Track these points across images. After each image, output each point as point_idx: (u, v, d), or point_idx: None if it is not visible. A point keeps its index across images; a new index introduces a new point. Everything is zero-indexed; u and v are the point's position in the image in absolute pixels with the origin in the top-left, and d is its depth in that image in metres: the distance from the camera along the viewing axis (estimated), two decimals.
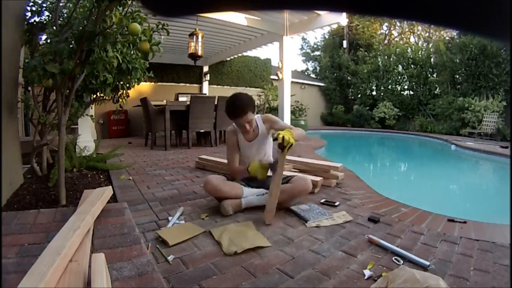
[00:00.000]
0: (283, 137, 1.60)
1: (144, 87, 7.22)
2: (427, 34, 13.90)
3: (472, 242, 1.44)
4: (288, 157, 3.17)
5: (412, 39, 14.55)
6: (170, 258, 1.24)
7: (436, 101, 9.85)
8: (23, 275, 0.97)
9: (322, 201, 2.04)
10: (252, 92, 8.84)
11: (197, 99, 4.75)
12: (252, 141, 2.04)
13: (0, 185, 1.64)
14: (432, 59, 10.78)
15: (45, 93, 2.53)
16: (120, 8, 1.77)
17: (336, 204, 1.97)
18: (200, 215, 1.78)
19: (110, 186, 1.89)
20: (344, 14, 4.78)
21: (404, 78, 11.38)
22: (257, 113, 2.21)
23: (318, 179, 2.33)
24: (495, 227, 1.63)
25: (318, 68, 16.99)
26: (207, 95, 7.58)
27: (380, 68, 11.92)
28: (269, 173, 2.07)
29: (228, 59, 8.64)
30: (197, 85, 8.73)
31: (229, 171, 2.05)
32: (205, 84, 8.70)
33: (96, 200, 1.56)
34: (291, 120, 6.97)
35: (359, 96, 12.80)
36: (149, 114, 4.80)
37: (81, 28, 1.69)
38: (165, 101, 5.02)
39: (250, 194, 1.90)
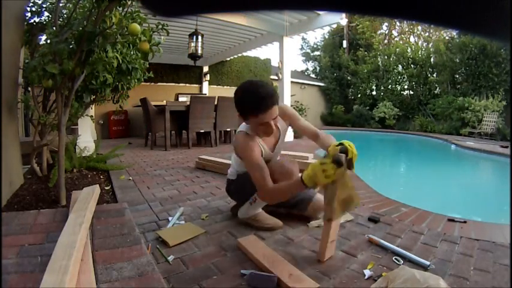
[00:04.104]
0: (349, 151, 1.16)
1: (144, 87, 7.22)
2: (427, 34, 13.90)
3: (472, 241, 1.44)
4: (288, 153, 3.16)
5: (412, 39, 14.54)
6: (170, 258, 1.24)
7: (436, 101, 9.85)
8: (23, 275, 0.97)
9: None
10: None
11: (197, 100, 4.75)
12: (275, 149, 1.61)
13: (0, 186, 1.64)
14: (432, 59, 10.79)
15: (45, 93, 2.53)
16: (120, 8, 1.77)
17: None
18: (200, 215, 1.78)
19: (97, 185, 1.90)
20: (344, 14, 4.79)
21: (404, 78, 11.38)
22: None
23: None
24: (495, 226, 1.63)
25: (318, 68, 16.98)
26: (207, 95, 7.58)
27: (380, 68, 11.93)
28: None
29: (228, 59, 8.64)
30: (197, 85, 8.73)
31: (267, 194, 1.38)
32: (205, 85, 8.70)
33: (89, 197, 1.58)
34: None
35: (359, 96, 12.80)
36: (149, 115, 4.80)
37: (81, 28, 1.69)
38: (165, 101, 5.02)
39: None
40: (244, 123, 1.55)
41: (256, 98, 1.33)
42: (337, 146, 1.20)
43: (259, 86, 1.36)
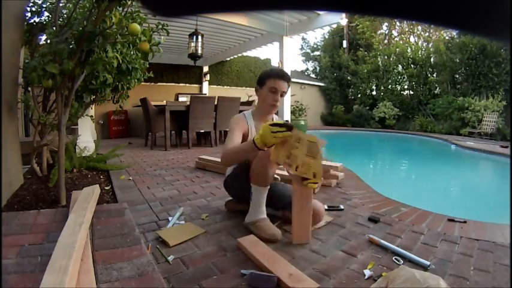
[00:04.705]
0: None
1: (144, 87, 7.23)
2: (427, 34, 13.90)
3: (472, 241, 1.44)
4: None
5: (412, 39, 14.54)
6: (170, 258, 1.24)
7: (436, 101, 9.85)
8: (23, 275, 0.97)
9: (326, 207, 1.92)
10: (252, 92, 8.85)
11: (197, 100, 4.75)
12: None
13: (0, 186, 1.64)
14: (432, 59, 10.79)
15: (45, 93, 2.53)
16: (120, 8, 1.77)
17: (341, 208, 1.92)
18: (200, 215, 1.78)
19: (97, 185, 1.90)
20: (344, 14, 4.78)
21: (404, 78, 11.38)
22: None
23: None
24: (495, 226, 1.63)
25: (318, 68, 16.98)
26: (207, 95, 7.58)
27: (380, 67, 11.93)
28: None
29: (228, 59, 8.64)
30: (197, 85, 8.73)
31: (224, 154, 1.51)
32: (205, 85, 8.71)
33: (89, 197, 1.58)
34: (291, 120, 6.96)
35: (359, 96, 12.81)
36: (149, 115, 4.80)
37: (81, 28, 1.69)
38: (165, 101, 5.03)
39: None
40: (246, 111, 1.76)
41: (280, 70, 1.70)
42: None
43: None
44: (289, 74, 1.68)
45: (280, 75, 1.64)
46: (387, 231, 1.57)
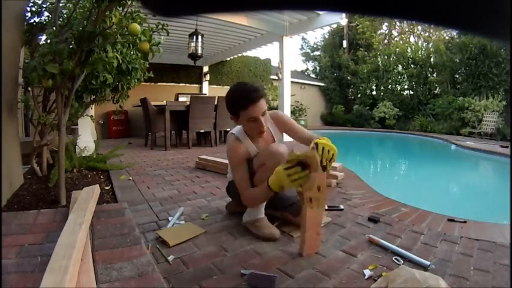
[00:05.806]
0: (322, 149, 1.22)
1: (144, 87, 7.22)
2: (427, 34, 13.90)
3: (472, 241, 1.44)
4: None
5: (412, 39, 14.55)
6: (170, 258, 1.24)
7: (436, 101, 9.86)
8: (23, 276, 0.97)
9: (326, 207, 1.91)
10: None
11: (197, 100, 4.75)
12: None
13: (0, 186, 1.64)
14: (432, 59, 10.79)
15: (45, 93, 2.53)
16: (120, 8, 1.77)
17: (341, 208, 1.92)
18: (200, 215, 1.78)
19: (97, 185, 1.90)
20: (344, 14, 4.78)
21: (404, 78, 11.39)
22: None
23: None
24: (495, 226, 1.63)
25: (318, 68, 16.99)
26: (207, 95, 7.58)
27: (380, 67, 11.93)
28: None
29: (228, 59, 8.64)
30: (197, 85, 8.73)
31: (245, 200, 1.49)
32: (205, 85, 8.70)
33: (89, 197, 1.58)
34: None
35: (359, 96, 12.82)
36: (149, 115, 4.80)
37: (81, 28, 1.69)
38: (165, 101, 5.03)
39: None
40: (237, 126, 1.61)
41: (243, 91, 1.42)
42: (312, 148, 1.23)
43: (245, 83, 1.47)
44: (259, 86, 1.46)
45: (251, 99, 1.39)
46: (387, 231, 1.57)
